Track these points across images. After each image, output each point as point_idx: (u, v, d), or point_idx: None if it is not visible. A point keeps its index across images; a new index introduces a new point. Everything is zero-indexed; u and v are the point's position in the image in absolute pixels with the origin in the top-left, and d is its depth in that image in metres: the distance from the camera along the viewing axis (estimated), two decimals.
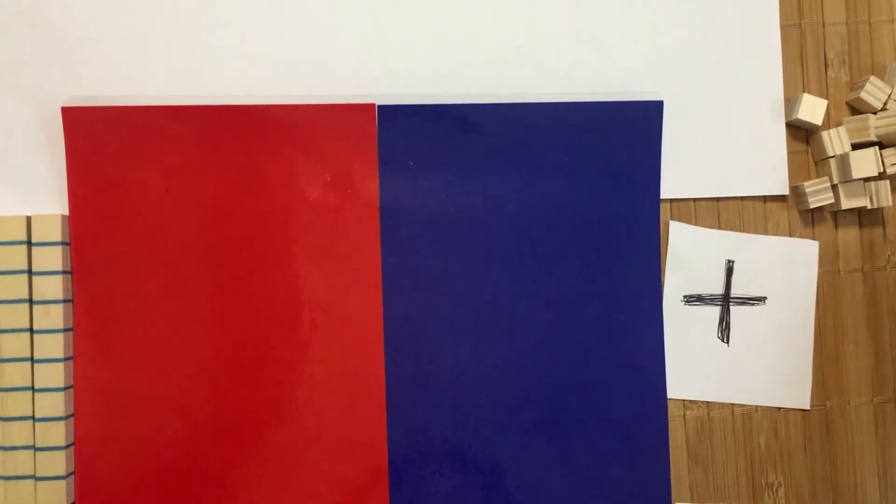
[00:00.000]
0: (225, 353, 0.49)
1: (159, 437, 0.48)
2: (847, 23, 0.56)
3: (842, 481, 0.54)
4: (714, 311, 0.53)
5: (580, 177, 0.52)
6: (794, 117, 0.53)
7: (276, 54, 0.51)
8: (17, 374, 0.47)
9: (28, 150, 0.49)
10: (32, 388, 0.47)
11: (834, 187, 0.54)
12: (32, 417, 0.47)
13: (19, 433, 0.47)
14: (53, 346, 0.47)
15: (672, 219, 0.53)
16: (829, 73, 0.55)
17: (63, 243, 0.47)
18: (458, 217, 0.50)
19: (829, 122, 0.55)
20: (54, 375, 0.47)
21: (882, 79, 0.54)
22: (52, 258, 0.47)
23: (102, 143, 0.48)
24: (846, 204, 0.53)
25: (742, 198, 0.54)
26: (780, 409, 0.54)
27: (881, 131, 0.53)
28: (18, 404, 0.47)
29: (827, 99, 0.54)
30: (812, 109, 0.53)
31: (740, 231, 0.54)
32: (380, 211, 0.50)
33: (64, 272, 0.47)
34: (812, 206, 0.53)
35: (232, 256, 0.49)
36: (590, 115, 0.52)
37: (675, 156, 0.53)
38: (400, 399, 0.50)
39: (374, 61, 0.51)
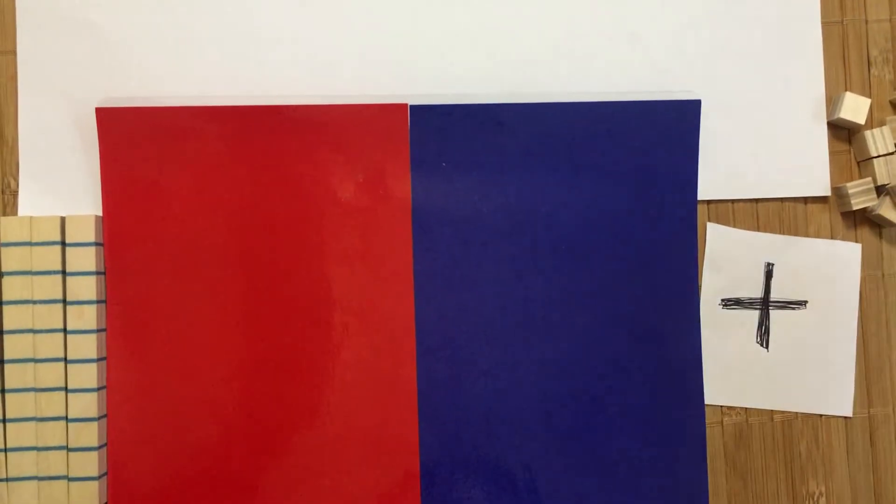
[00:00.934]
0: (256, 355, 0.48)
1: (191, 439, 0.48)
2: (891, 19, 0.54)
3: (885, 491, 0.52)
4: (753, 315, 0.52)
5: (616, 178, 0.51)
6: (836, 116, 0.52)
7: (309, 54, 0.50)
8: (51, 375, 0.47)
9: (63, 150, 0.49)
10: (66, 389, 0.47)
11: (878, 189, 0.52)
12: (66, 418, 0.47)
13: (53, 433, 0.47)
14: (87, 346, 0.47)
15: (710, 220, 0.52)
16: (871, 71, 0.54)
17: (97, 244, 0.48)
18: (492, 219, 0.50)
19: (873, 121, 0.54)
20: (88, 376, 0.47)
21: None
22: (86, 259, 0.47)
23: (136, 143, 0.48)
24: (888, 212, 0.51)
25: (782, 199, 0.53)
26: (821, 416, 0.52)
27: None
28: (52, 405, 0.47)
29: (870, 97, 0.53)
30: (855, 108, 0.52)
31: (780, 233, 0.53)
32: (412, 212, 0.49)
33: (98, 273, 0.47)
34: (855, 208, 0.52)
35: (264, 258, 0.49)
36: (625, 114, 0.51)
37: (713, 156, 0.52)
38: (432, 403, 0.49)
39: (407, 60, 0.51)
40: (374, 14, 0.51)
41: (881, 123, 0.53)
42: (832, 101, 0.53)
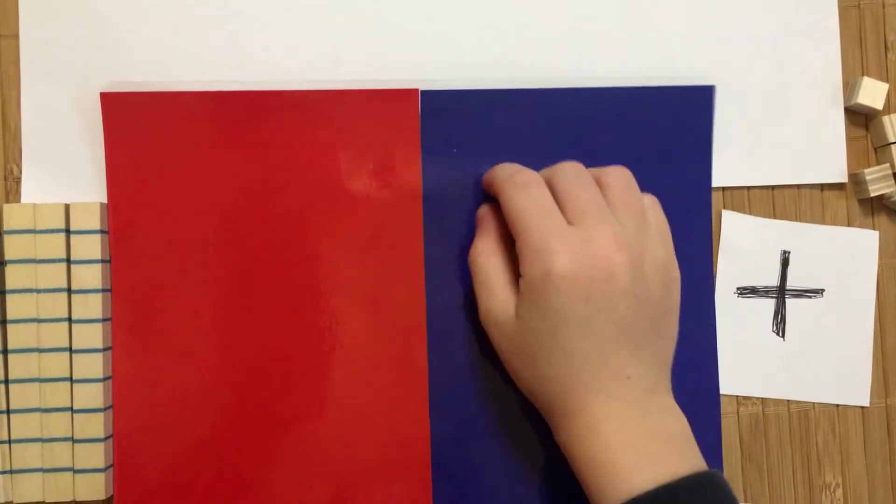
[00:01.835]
0: (264, 343, 0.48)
1: (199, 428, 0.47)
2: None
3: None
4: (769, 304, 0.51)
5: (629, 165, 0.49)
6: (853, 102, 0.51)
7: (317, 39, 0.50)
8: (56, 365, 0.46)
9: (66, 136, 0.48)
10: (71, 379, 0.46)
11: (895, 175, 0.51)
12: (71, 409, 0.46)
13: (58, 424, 0.46)
14: (92, 336, 0.46)
15: (724, 208, 0.51)
16: (889, 55, 0.53)
17: (102, 232, 0.47)
18: None
19: (890, 106, 0.53)
20: (93, 366, 0.46)
21: None
22: (91, 247, 0.46)
23: (142, 128, 0.47)
24: None
25: (798, 186, 0.52)
26: (837, 406, 0.52)
27: None
28: (57, 395, 0.46)
29: (888, 82, 0.52)
30: (872, 93, 0.51)
31: (796, 220, 0.52)
32: (423, 200, 0.49)
33: (103, 261, 0.47)
34: (872, 195, 0.51)
35: (272, 245, 0.48)
36: (639, 100, 0.50)
37: (728, 142, 0.51)
38: (444, 391, 0.48)
39: (418, 45, 0.50)
40: None
41: None
42: (849, 87, 0.52)
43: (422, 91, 0.49)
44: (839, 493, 0.51)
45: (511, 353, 0.43)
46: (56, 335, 0.46)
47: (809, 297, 0.51)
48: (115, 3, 0.49)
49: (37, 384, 0.46)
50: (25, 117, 0.48)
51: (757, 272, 0.51)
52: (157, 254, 0.47)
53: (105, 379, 0.46)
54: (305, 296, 0.48)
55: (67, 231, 0.46)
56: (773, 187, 0.52)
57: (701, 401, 0.50)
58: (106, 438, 0.46)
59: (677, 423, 0.41)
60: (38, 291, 0.46)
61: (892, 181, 0.51)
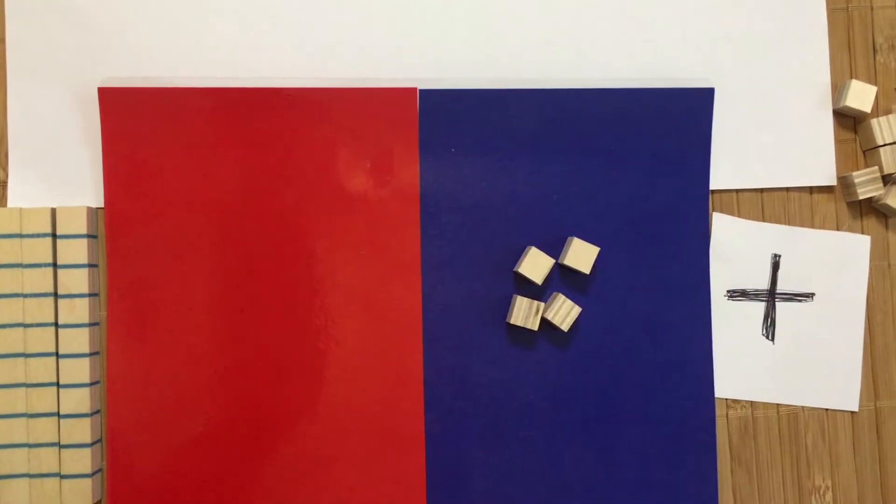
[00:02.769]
0: (259, 344, 0.47)
1: (192, 430, 0.47)
2: None
3: (891, 485, 0.52)
4: (759, 307, 0.51)
5: (627, 166, 0.50)
6: (841, 104, 0.51)
7: (316, 37, 0.49)
8: (43, 370, 0.45)
9: (53, 139, 0.48)
10: (57, 384, 0.46)
11: (884, 178, 0.51)
12: (58, 414, 0.46)
13: (44, 430, 0.46)
14: (79, 340, 0.46)
15: (715, 210, 0.51)
16: (877, 58, 0.53)
17: (89, 236, 0.46)
18: (501, 206, 0.49)
19: (878, 109, 0.53)
20: (80, 371, 0.46)
21: None
22: (77, 251, 0.46)
23: (138, 124, 0.47)
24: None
25: (787, 189, 0.52)
26: (827, 409, 0.52)
27: None
28: (43, 400, 0.46)
29: (876, 85, 0.52)
30: (861, 96, 0.51)
31: (786, 223, 0.52)
32: (420, 198, 0.48)
33: (90, 265, 0.46)
34: (861, 198, 0.51)
35: (268, 244, 0.48)
36: (638, 101, 0.50)
37: (717, 145, 0.51)
38: (438, 392, 0.48)
39: (417, 44, 0.50)
40: None
41: (887, 111, 0.53)
42: (838, 89, 0.52)
43: (421, 90, 0.49)
44: (829, 496, 0.51)
45: None
46: (42, 340, 0.46)
47: (800, 300, 0.51)
48: (101, 5, 0.48)
49: (23, 389, 0.45)
50: (11, 121, 0.48)
51: (747, 275, 0.51)
52: (152, 252, 0.47)
53: (92, 384, 0.46)
54: (301, 294, 0.48)
55: (54, 235, 0.46)
56: (762, 190, 0.52)
57: (696, 402, 0.49)
58: (93, 444, 0.46)
59: None
60: (25, 296, 0.45)
61: (881, 184, 0.51)
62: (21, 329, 0.45)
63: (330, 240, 0.48)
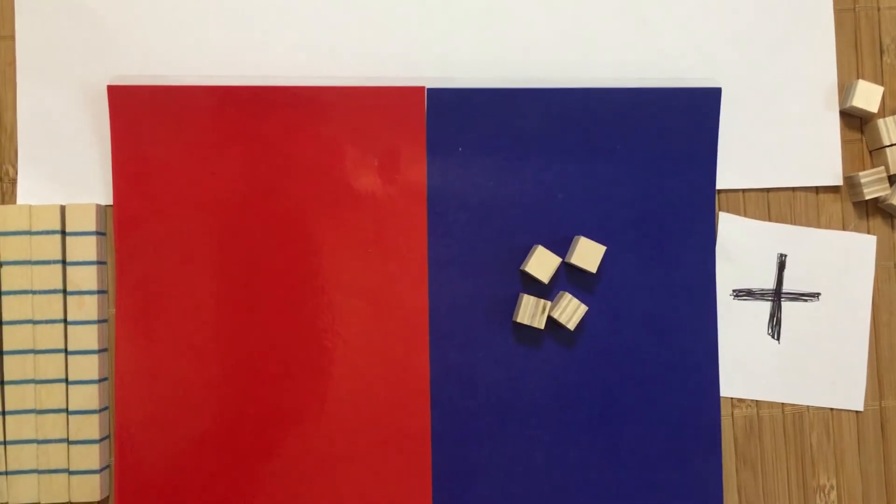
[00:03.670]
0: (267, 341, 0.48)
1: (200, 427, 0.47)
2: None
3: None
4: (764, 307, 0.51)
5: (634, 165, 0.50)
6: (848, 105, 0.51)
7: (324, 35, 0.50)
8: (52, 366, 0.46)
9: (63, 137, 0.48)
10: (66, 381, 0.46)
11: (891, 178, 0.51)
12: (66, 410, 0.46)
13: (53, 426, 0.46)
14: (88, 337, 0.46)
15: (721, 210, 0.51)
16: (884, 58, 0.53)
17: (98, 233, 0.47)
18: (508, 204, 0.49)
19: (885, 109, 0.53)
20: (89, 367, 0.46)
21: None
22: (86, 248, 0.46)
23: (147, 122, 0.47)
24: None
25: (794, 188, 0.52)
26: (832, 408, 0.52)
27: None
28: (52, 397, 0.46)
29: (883, 86, 0.52)
30: (867, 96, 0.51)
31: (791, 223, 0.52)
32: (427, 197, 0.49)
33: (99, 262, 0.47)
34: (867, 198, 0.51)
35: (276, 242, 0.48)
36: (645, 101, 0.50)
37: (723, 144, 0.51)
38: (445, 390, 0.48)
39: (424, 44, 0.50)
40: None
41: (894, 112, 0.53)
42: (844, 89, 0.52)
43: (428, 89, 0.49)
44: (833, 495, 0.51)
45: None
46: (52, 336, 0.46)
47: (805, 300, 0.52)
48: (110, 4, 0.48)
49: (32, 385, 0.46)
50: (21, 119, 0.48)
51: (753, 275, 0.51)
52: (160, 249, 0.47)
53: (101, 380, 0.46)
54: (308, 293, 0.48)
55: (63, 232, 0.46)
56: (768, 190, 0.52)
57: (701, 401, 0.50)
58: (101, 440, 0.46)
59: None
60: (34, 293, 0.46)
61: (888, 184, 0.51)
62: (30, 325, 0.46)
63: (337, 238, 0.48)
